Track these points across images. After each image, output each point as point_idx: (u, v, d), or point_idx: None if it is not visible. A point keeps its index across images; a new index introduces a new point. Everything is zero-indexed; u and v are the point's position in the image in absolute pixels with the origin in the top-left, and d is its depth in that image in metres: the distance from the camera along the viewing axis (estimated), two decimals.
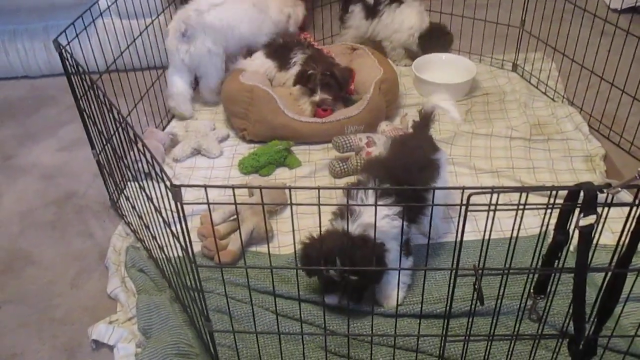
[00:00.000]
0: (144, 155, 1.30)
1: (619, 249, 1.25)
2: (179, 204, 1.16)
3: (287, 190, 1.99)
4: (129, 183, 1.86)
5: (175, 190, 1.14)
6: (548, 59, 2.60)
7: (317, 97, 2.24)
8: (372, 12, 2.71)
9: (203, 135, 2.27)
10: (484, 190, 1.08)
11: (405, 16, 2.67)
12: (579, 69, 2.30)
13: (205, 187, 1.14)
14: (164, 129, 2.39)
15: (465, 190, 1.10)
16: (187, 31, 2.30)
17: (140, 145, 1.32)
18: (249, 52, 2.57)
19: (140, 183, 1.55)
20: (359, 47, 2.60)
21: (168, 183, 1.16)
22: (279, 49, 2.47)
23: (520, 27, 2.57)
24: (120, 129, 1.56)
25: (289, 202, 1.15)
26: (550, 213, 1.17)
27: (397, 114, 2.40)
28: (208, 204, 1.17)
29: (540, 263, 1.34)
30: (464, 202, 1.11)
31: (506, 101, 2.45)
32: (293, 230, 1.17)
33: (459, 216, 1.13)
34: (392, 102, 2.37)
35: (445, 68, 2.60)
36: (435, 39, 2.67)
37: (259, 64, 2.46)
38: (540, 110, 2.39)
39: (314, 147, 2.24)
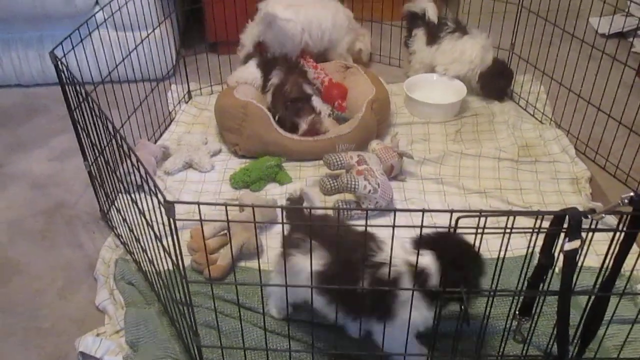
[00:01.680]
0: (138, 170, 1.31)
1: (602, 272, 1.28)
2: (171, 220, 1.17)
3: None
4: (119, 195, 1.86)
5: (169, 207, 1.15)
6: (537, 81, 2.64)
7: (304, 126, 2.24)
8: (433, 38, 2.62)
9: (195, 149, 2.28)
10: (472, 214, 1.10)
11: (467, 47, 2.55)
12: (566, 93, 2.34)
13: (199, 204, 1.15)
14: (156, 141, 2.40)
15: (454, 213, 1.12)
16: (266, 18, 2.50)
17: (134, 159, 1.33)
18: (246, 57, 2.60)
19: (132, 196, 1.56)
20: (352, 66, 2.63)
21: (162, 199, 1.17)
22: (268, 63, 2.49)
23: (510, 50, 2.62)
24: (113, 142, 1.57)
25: (279, 219, 1.16)
26: (537, 236, 1.19)
27: (388, 132, 2.43)
28: (201, 220, 1.18)
29: (525, 285, 1.36)
30: (453, 224, 1.13)
31: (495, 122, 2.49)
32: (284, 252, 1.18)
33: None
34: (383, 121, 2.40)
35: (436, 88, 2.63)
36: (496, 78, 2.56)
37: (250, 73, 2.48)
38: (529, 132, 2.42)
39: (305, 163, 2.26)
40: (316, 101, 2.32)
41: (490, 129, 2.45)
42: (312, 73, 2.54)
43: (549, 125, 2.45)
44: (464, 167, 2.24)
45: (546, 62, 2.43)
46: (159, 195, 1.19)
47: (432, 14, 2.62)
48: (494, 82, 2.57)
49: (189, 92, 2.70)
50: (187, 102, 2.66)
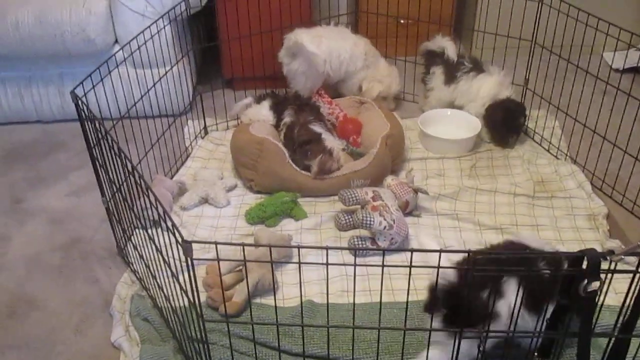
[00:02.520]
0: (156, 208, 1.33)
1: (623, 313, 1.27)
2: (189, 259, 1.18)
3: (293, 243, 2.01)
4: (136, 230, 1.88)
5: (186, 246, 1.16)
6: (552, 117, 2.65)
7: (314, 169, 2.24)
8: (451, 77, 2.61)
9: (211, 185, 2.31)
10: (490, 256, 1.11)
11: (482, 84, 2.53)
12: (581, 128, 2.34)
13: (216, 244, 1.16)
14: (172, 176, 2.43)
15: (471, 253, 1.12)
16: (292, 48, 2.56)
17: (152, 198, 1.35)
18: (259, 97, 2.63)
19: (149, 232, 1.58)
20: (367, 101, 2.66)
21: (179, 238, 1.19)
22: (280, 104, 2.53)
23: (524, 86, 2.64)
24: (131, 178, 1.60)
25: (295, 257, 1.17)
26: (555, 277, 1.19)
27: (403, 168, 2.44)
28: (218, 260, 1.19)
29: (544, 326, 1.35)
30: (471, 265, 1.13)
31: (510, 157, 2.49)
32: (301, 290, 1.18)
33: (466, 279, 1.16)
34: (398, 156, 2.41)
35: (450, 123, 2.65)
36: (504, 114, 2.44)
37: (264, 115, 2.52)
38: (544, 167, 2.42)
39: (320, 199, 2.27)
40: (328, 139, 2.34)
41: (505, 164, 2.46)
42: (327, 108, 2.57)
43: (565, 160, 2.45)
44: (479, 202, 2.23)
45: (560, 98, 2.45)
46: (177, 235, 1.20)
47: (451, 52, 2.64)
48: (503, 121, 2.46)
49: (205, 127, 2.73)
50: (203, 138, 2.70)
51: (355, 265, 1.15)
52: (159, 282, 1.67)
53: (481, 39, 2.89)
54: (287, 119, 2.44)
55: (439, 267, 1.16)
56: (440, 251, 1.10)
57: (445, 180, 2.36)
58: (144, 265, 1.78)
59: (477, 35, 3.07)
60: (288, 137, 2.37)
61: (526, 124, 2.57)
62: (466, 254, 1.11)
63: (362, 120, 2.56)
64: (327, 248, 1.10)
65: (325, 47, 2.64)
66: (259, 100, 2.59)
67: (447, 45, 2.66)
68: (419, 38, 2.87)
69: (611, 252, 1.14)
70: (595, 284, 1.14)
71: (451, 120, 2.66)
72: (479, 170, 2.42)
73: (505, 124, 2.49)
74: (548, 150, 2.54)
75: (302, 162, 2.28)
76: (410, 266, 1.14)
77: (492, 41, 2.69)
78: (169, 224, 1.26)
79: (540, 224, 2.13)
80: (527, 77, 2.62)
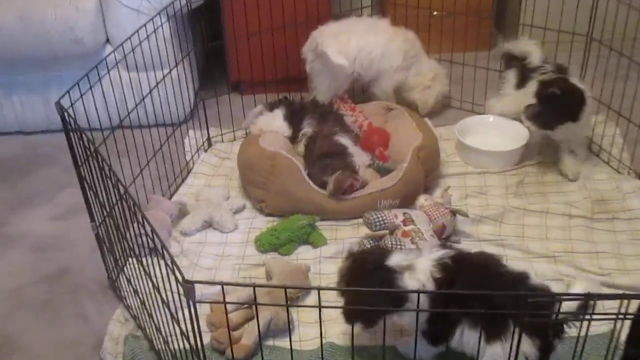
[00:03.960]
0: (152, 241, 1.32)
1: None
2: (191, 302, 1.17)
3: (309, 276, 1.99)
4: (130, 259, 1.88)
5: (188, 288, 1.15)
6: (611, 123, 2.60)
7: (330, 186, 2.22)
8: (523, 80, 2.55)
9: (215, 206, 2.30)
10: (544, 299, 1.08)
11: None
12: None
13: (222, 284, 1.15)
14: (171, 196, 2.43)
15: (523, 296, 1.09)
16: (317, 47, 2.59)
17: (148, 228, 1.34)
18: (271, 105, 2.63)
19: (144, 264, 1.57)
20: (395, 107, 2.64)
21: (180, 277, 1.18)
22: (296, 113, 2.53)
23: None
24: (122, 202, 1.59)
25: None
26: (622, 323, 1.16)
27: (438, 185, 2.41)
28: (225, 303, 1.18)
29: None
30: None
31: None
32: (321, 331, 1.16)
33: (514, 325, 1.13)
34: (432, 172, 2.39)
35: (493, 132, 2.62)
36: (563, 91, 2.28)
37: (278, 126, 2.51)
38: (603, 183, 2.38)
39: (341, 223, 2.25)
40: (354, 153, 2.32)
41: (558, 180, 2.42)
42: (350, 116, 2.56)
43: (628, 175, 2.41)
44: (528, 226, 2.20)
45: (622, 101, 2.40)
46: (177, 273, 1.19)
47: (535, 59, 2.53)
48: (556, 90, 2.27)
49: (208, 138, 2.73)
50: (206, 151, 2.69)
51: (385, 309, 1.12)
52: (156, 322, 1.66)
53: (527, 34, 2.86)
54: (307, 129, 2.43)
55: (485, 311, 1.13)
56: (487, 293, 1.08)
57: (487, 200, 2.33)
58: (139, 301, 1.77)
59: (522, 30, 3.03)
60: (310, 148, 2.36)
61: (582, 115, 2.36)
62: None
63: (389, 129, 2.55)
64: (350, 290, 1.07)
65: (354, 45, 2.63)
66: (271, 107, 2.59)
67: (531, 50, 2.56)
68: (455, 33, 2.85)
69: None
70: None
71: (494, 128, 2.63)
72: (528, 188, 2.39)
73: (561, 103, 2.29)
74: (608, 163, 2.49)
75: (320, 178, 2.26)
76: (447, 310, 1.12)
77: (540, 36, 2.65)
78: (168, 260, 1.25)
79: (601, 250, 2.09)
80: (582, 77, 2.58)
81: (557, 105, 2.28)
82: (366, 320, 1.60)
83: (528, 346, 1.44)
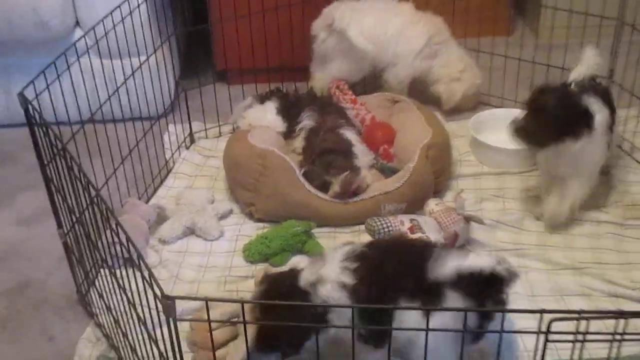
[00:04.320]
0: (128, 250, 1.32)
1: None
2: (171, 320, 1.17)
3: None
4: (102, 271, 1.88)
5: (168, 304, 1.15)
6: None
7: (336, 188, 2.23)
8: None
9: (198, 210, 2.30)
10: (569, 316, 1.09)
11: None
12: None
13: (206, 300, 1.15)
14: (148, 199, 2.43)
15: (546, 315, 1.10)
16: (333, 24, 2.63)
17: (123, 237, 1.34)
18: (261, 97, 2.63)
19: (118, 276, 1.57)
20: (402, 100, 2.65)
21: (158, 292, 1.18)
22: (291, 106, 2.54)
23: (608, 79, 2.60)
24: (93, 206, 1.59)
25: None
26: None
27: (450, 188, 2.42)
28: (209, 321, 1.18)
29: None
30: (543, 329, 1.11)
31: None
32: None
33: (536, 346, 1.13)
34: (443, 172, 2.39)
35: None
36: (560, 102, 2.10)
37: (270, 121, 2.51)
38: (636, 185, 2.39)
39: (340, 230, 2.26)
40: (360, 152, 2.33)
41: None
42: (351, 110, 2.56)
43: None
44: (552, 234, 2.21)
45: None
46: (155, 288, 1.20)
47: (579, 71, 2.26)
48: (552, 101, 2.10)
49: (191, 134, 2.73)
50: (188, 148, 2.70)
51: (391, 329, 1.13)
52: (131, 341, 1.66)
53: (550, 17, 2.86)
54: (306, 121, 2.44)
55: (502, 331, 1.14)
56: (503, 311, 1.08)
57: (505, 204, 2.34)
58: (112, 319, 1.77)
59: (545, 13, 3.04)
60: (311, 143, 2.36)
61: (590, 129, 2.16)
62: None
63: (395, 124, 2.55)
64: (353, 307, 1.08)
65: (369, 22, 2.65)
66: (262, 99, 2.59)
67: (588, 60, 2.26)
68: (468, 15, 2.85)
69: None
70: None
71: None
72: None
73: (557, 115, 2.09)
74: None
75: (321, 177, 2.27)
76: (464, 330, 1.12)
77: (564, 19, 2.66)
78: (145, 271, 1.25)
79: (633, 261, 2.10)
80: (612, 66, 2.59)
81: (547, 118, 2.08)
82: (289, 343, 1.60)
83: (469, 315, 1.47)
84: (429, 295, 1.54)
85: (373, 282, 1.57)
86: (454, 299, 1.53)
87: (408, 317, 1.53)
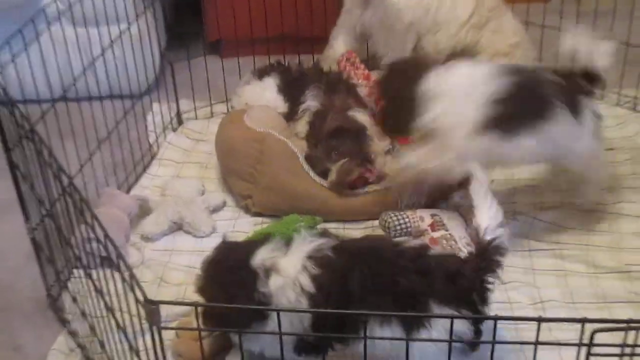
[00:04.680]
0: (105, 246, 1.33)
1: None
2: (155, 327, 1.18)
3: None
4: (75, 271, 1.88)
5: (151, 310, 1.15)
6: None
7: (333, 176, 2.24)
8: None
9: (187, 203, 2.30)
10: (615, 326, 1.09)
11: None
12: None
13: (196, 305, 1.16)
14: (129, 190, 2.44)
15: (588, 325, 1.11)
16: None
17: (100, 232, 1.35)
18: (260, 72, 2.63)
19: (95, 281, 1.57)
20: None
21: (140, 296, 1.19)
22: (293, 83, 2.54)
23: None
24: (66, 197, 1.60)
25: None
26: None
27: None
28: (199, 329, 1.18)
29: None
30: (585, 341, 1.12)
31: None
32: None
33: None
34: None
35: None
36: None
37: (270, 99, 2.53)
38: None
39: (351, 226, 2.27)
40: (375, 136, 2.33)
41: (634, 171, 2.43)
42: (363, 87, 2.55)
43: None
44: (596, 231, 2.21)
45: None
46: (137, 292, 1.20)
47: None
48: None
49: (178, 114, 2.74)
50: (175, 130, 2.70)
51: (407, 339, 1.14)
52: (109, 352, 1.67)
53: None
54: (310, 102, 2.43)
55: (537, 342, 1.14)
56: (540, 320, 1.09)
57: (543, 196, 2.34)
58: (87, 326, 1.78)
59: None
60: (314, 128, 2.37)
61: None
62: None
63: None
64: (364, 313, 1.08)
65: None
66: (260, 75, 2.59)
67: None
68: None
69: None
70: None
71: None
72: None
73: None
74: None
75: (322, 163, 2.28)
76: (494, 342, 1.13)
77: None
78: (125, 272, 1.26)
79: None
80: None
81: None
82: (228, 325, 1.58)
83: (459, 323, 1.48)
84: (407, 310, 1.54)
85: (332, 296, 1.57)
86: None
87: (382, 334, 1.53)
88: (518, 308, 1.95)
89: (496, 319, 1.15)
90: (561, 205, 2.29)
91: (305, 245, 1.64)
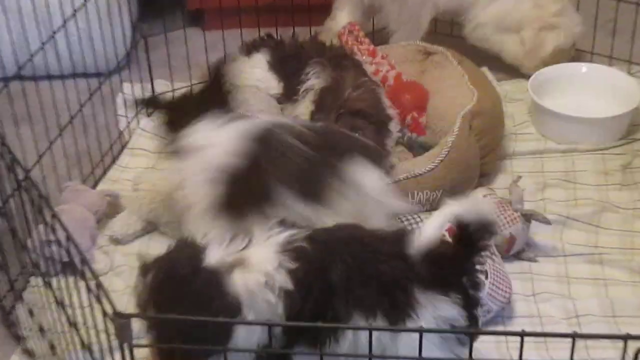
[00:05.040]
0: (70, 257, 1.32)
1: None
2: (125, 345, 1.17)
3: None
4: (33, 279, 1.87)
5: (122, 323, 1.15)
6: None
7: None
8: None
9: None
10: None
11: None
12: None
13: (175, 319, 1.15)
14: (96, 184, 2.43)
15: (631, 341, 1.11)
16: None
17: (62, 235, 1.34)
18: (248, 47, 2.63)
19: (55, 291, 1.57)
20: (437, 51, 2.65)
21: (109, 309, 1.18)
22: (287, 60, 2.53)
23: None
24: (21, 193, 1.60)
25: None
26: None
27: (502, 171, 2.44)
28: (178, 347, 1.17)
29: None
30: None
31: None
32: None
33: None
34: (493, 149, 2.41)
35: (585, 89, 2.64)
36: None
37: (260, 79, 2.52)
38: None
39: None
40: (394, 127, 2.34)
41: None
42: (369, 65, 2.55)
43: None
44: None
45: None
46: (105, 303, 1.20)
47: None
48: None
49: (153, 96, 2.72)
50: (150, 115, 2.69)
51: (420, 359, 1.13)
52: None
53: None
54: (314, 80, 2.43)
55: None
56: (574, 336, 1.09)
57: (577, 192, 2.35)
58: (46, 344, 1.78)
59: None
60: (327, 104, 2.34)
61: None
62: None
63: (428, 85, 2.55)
64: (371, 329, 1.07)
65: None
66: (248, 51, 2.59)
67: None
68: None
69: None
70: None
71: (588, 83, 2.64)
72: (638, 175, 2.40)
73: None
74: None
75: None
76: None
77: None
78: (90, 281, 1.25)
79: None
80: None
81: None
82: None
83: (448, 308, 1.52)
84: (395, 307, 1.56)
85: (313, 292, 1.57)
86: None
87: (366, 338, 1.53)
88: (549, 323, 1.95)
89: (523, 334, 1.14)
90: (599, 203, 2.29)
91: (272, 236, 1.63)
